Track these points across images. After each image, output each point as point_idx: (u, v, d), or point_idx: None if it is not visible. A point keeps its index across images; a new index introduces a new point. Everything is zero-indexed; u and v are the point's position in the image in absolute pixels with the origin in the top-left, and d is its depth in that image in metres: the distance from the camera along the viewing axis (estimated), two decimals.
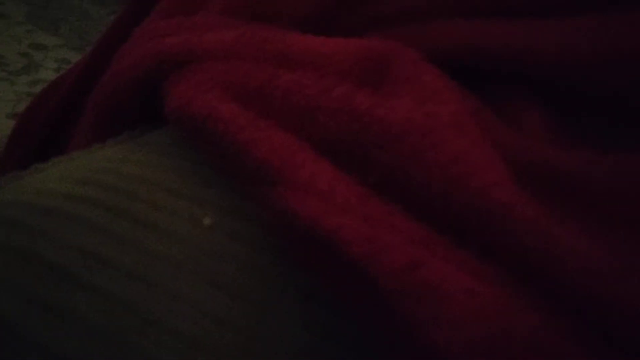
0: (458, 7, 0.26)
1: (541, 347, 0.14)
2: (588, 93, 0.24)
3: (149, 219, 0.19)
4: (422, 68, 0.23)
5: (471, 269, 0.16)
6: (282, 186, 0.18)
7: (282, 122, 0.21)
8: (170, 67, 0.25)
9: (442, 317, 0.14)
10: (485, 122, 0.22)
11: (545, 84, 0.24)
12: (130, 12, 0.40)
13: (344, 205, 0.17)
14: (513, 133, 0.22)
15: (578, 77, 0.23)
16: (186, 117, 0.22)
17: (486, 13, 0.26)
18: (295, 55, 0.24)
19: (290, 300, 0.18)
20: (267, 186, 0.18)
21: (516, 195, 0.17)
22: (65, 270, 0.18)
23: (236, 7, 0.30)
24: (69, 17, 1.75)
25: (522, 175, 0.19)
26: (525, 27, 0.24)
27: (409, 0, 0.27)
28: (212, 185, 0.21)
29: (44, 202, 0.20)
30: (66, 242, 0.18)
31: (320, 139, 0.20)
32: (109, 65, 0.35)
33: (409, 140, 0.19)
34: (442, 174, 0.18)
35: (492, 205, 0.17)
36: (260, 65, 0.24)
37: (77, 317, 0.17)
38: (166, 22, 0.30)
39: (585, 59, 0.23)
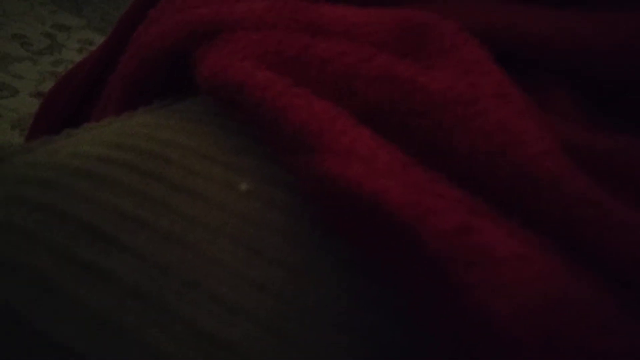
0: None
1: (593, 316, 0.14)
2: (611, 81, 0.23)
3: (185, 184, 0.19)
4: (462, 39, 0.22)
5: (520, 236, 0.15)
6: (322, 152, 0.17)
7: (319, 91, 0.20)
8: (200, 37, 0.25)
9: (494, 282, 0.13)
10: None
11: (574, 72, 0.24)
12: None
13: (387, 171, 0.16)
14: (550, 114, 0.22)
15: (607, 67, 0.23)
16: (221, 85, 0.22)
17: None
18: (328, 25, 0.24)
19: (328, 267, 0.17)
20: (306, 153, 0.18)
21: (566, 166, 0.17)
22: (102, 230, 0.17)
23: None
24: None
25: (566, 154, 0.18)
26: (564, 16, 0.24)
27: None
28: (247, 153, 0.21)
29: (78, 164, 0.20)
30: (102, 203, 0.18)
31: (359, 108, 0.19)
32: (129, 43, 0.35)
33: (453, 108, 0.18)
34: (487, 143, 0.17)
35: (542, 175, 0.16)
36: (293, 35, 0.23)
37: (114, 277, 0.16)
38: None
39: (618, 50, 0.22)
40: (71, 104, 0.42)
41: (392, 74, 0.19)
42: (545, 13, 0.24)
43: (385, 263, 0.17)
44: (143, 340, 0.15)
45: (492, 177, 0.17)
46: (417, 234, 0.14)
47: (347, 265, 0.17)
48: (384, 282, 0.17)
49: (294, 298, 0.17)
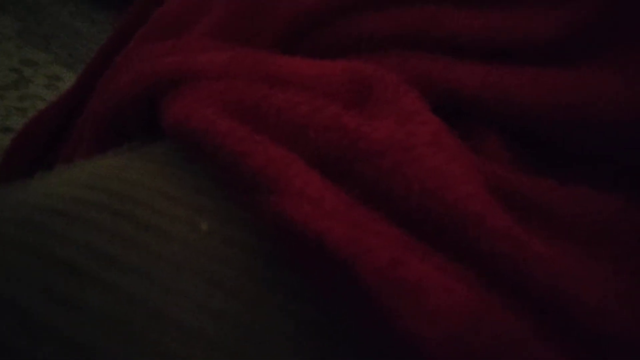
0: (429, 42, 0.28)
1: (510, 342, 0.16)
2: (538, 134, 0.26)
3: (151, 222, 0.21)
4: (402, 91, 0.25)
5: (447, 270, 0.17)
6: (277, 194, 0.19)
7: (275, 138, 0.22)
8: (166, 85, 0.27)
9: (420, 311, 0.16)
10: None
11: (504, 121, 0.26)
12: (119, 35, 0.42)
13: (332, 211, 0.19)
14: (481, 157, 0.24)
15: (532, 120, 0.25)
16: (185, 131, 0.24)
17: (448, 50, 0.27)
18: (285, 76, 0.26)
19: (282, 298, 0.19)
20: (263, 194, 0.20)
21: (489, 206, 0.19)
22: (75, 265, 0.19)
23: (219, 30, 0.32)
24: (60, 34, 1.76)
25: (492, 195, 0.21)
26: (492, 71, 0.26)
27: (384, 27, 0.29)
28: (208, 193, 0.23)
29: (52, 204, 0.21)
30: (75, 241, 0.20)
31: (310, 154, 0.22)
32: (96, 88, 0.37)
33: (391, 155, 0.20)
34: (420, 187, 0.20)
35: (467, 215, 0.18)
36: (253, 85, 0.26)
37: (87, 308, 0.18)
38: (162, 43, 0.32)
39: (540, 104, 0.25)
40: (41, 144, 0.43)
41: (339, 124, 0.22)
42: (476, 68, 0.26)
43: (332, 293, 0.19)
44: None
45: (425, 217, 0.19)
46: (355, 269, 0.17)
47: (298, 295, 0.19)
48: (332, 310, 0.19)
49: (251, 325, 0.19)
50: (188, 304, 0.19)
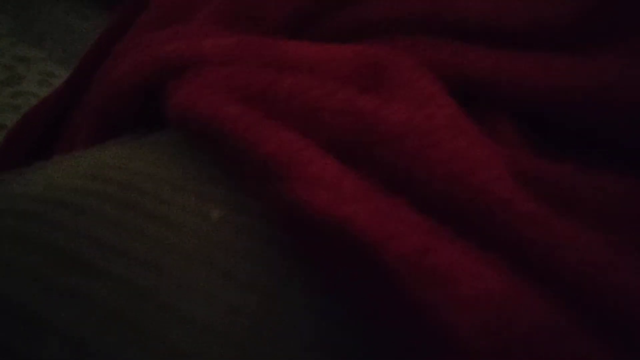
0: (437, 26, 0.27)
1: (544, 330, 0.15)
2: (549, 119, 0.25)
3: (159, 213, 0.20)
4: (418, 74, 0.24)
5: (476, 256, 0.16)
6: (291, 181, 0.18)
7: (286, 123, 0.21)
8: (169, 72, 0.26)
9: (451, 300, 0.15)
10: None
11: (517, 106, 0.25)
12: (114, 29, 0.41)
13: (352, 197, 0.18)
14: (499, 143, 0.23)
15: (544, 104, 0.25)
16: (191, 119, 0.23)
17: (464, 36, 0.27)
18: (294, 60, 0.25)
19: (297, 291, 0.18)
20: (276, 181, 0.19)
21: (516, 190, 0.18)
22: (81, 258, 0.18)
23: (221, 17, 0.31)
24: (53, 31, 1.74)
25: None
26: (503, 55, 0.25)
27: (393, 10, 0.28)
28: (217, 182, 0.22)
29: (54, 195, 0.20)
30: (79, 232, 0.19)
31: (325, 139, 0.21)
32: (93, 80, 0.36)
33: (411, 139, 0.19)
34: (443, 171, 0.19)
35: (493, 200, 0.18)
36: (261, 70, 0.25)
37: (94, 302, 0.17)
38: (162, 31, 0.31)
39: (551, 90, 0.24)
40: (35, 139, 0.42)
41: (354, 107, 0.21)
42: (487, 53, 0.25)
43: (352, 285, 0.18)
44: None
45: (449, 202, 0.18)
46: (380, 257, 0.16)
47: (314, 288, 0.18)
48: (350, 303, 0.18)
49: (267, 320, 0.17)
50: (200, 297, 0.18)
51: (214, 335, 0.17)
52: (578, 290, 0.17)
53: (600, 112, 0.24)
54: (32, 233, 0.19)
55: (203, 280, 0.18)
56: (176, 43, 0.27)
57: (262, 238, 0.20)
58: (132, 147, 0.25)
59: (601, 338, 0.16)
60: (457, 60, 0.26)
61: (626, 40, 0.25)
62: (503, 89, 0.25)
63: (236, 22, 0.31)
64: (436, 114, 0.21)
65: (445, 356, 0.15)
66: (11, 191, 0.21)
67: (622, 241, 0.19)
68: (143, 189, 0.21)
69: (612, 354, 0.16)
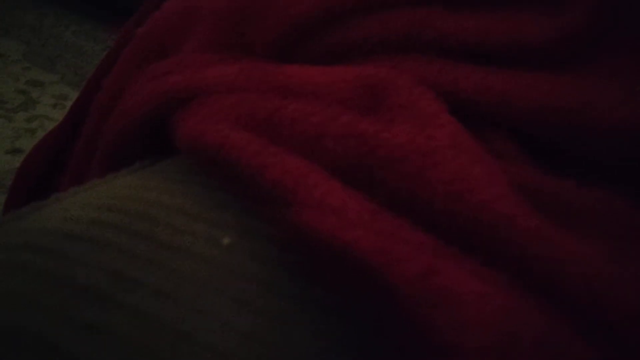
0: (420, 46, 0.28)
1: (549, 348, 0.15)
2: (536, 136, 0.25)
3: (172, 242, 0.21)
4: (418, 93, 0.24)
5: (481, 275, 0.17)
6: (298, 205, 0.19)
7: (291, 148, 0.22)
8: (176, 103, 0.27)
9: (457, 321, 0.15)
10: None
11: (511, 125, 0.25)
12: (103, 64, 0.42)
13: (357, 220, 0.18)
14: (501, 160, 0.24)
15: (533, 124, 0.25)
16: (200, 147, 0.23)
17: (452, 53, 0.27)
18: (297, 85, 0.26)
19: (310, 315, 0.19)
20: (283, 206, 0.19)
21: (518, 207, 0.18)
22: (98, 290, 0.19)
23: (210, 46, 0.32)
24: (65, 54, 1.77)
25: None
26: (493, 75, 0.25)
27: (375, 31, 0.28)
28: (226, 208, 0.22)
29: (71, 228, 0.21)
30: (96, 265, 0.19)
31: (329, 163, 0.21)
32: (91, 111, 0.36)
33: (413, 160, 0.20)
34: (444, 191, 0.19)
35: (496, 217, 0.18)
36: (265, 97, 0.25)
37: (113, 334, 0.18)
38: (166, 61, 0.32)
39: (537, 109, 0.24)
40: (50, 164, 0.43)
41: (356, 131, 0.21)
42: (471, 71, 0.25)
43: (360, 307, 0.18)
44: None
45: (452, 221, 0.19)
46: (386, 280, 0.16)
47: (326, 311, 0.19)
48: (359, 325, 0.18)
49: (280, 345, 0.18)
50: (216, 324, 0.18)
51: None
52: (582, 305, 0.17)
53: (585, 130, 0.24)
54: (51, 269, 0.19)
55: (217, 307, 0.19)
56: (180, 74, 0.28)
57: (272, 262, 0.20)
58: (144, 177, 0.25)
59: (605, 351, 0.16)
60: (443, 78, 0.26)
61: (606, 60, 0.25)
62: (488, 107, 0.25)
63: (225, 51, 0.31)
64: (437, 134, 0.21)
65: None
66: (29, 226, 0.22)
67: (624, 253, 0.20)
68: (156, 219, 0.22)
69: None
